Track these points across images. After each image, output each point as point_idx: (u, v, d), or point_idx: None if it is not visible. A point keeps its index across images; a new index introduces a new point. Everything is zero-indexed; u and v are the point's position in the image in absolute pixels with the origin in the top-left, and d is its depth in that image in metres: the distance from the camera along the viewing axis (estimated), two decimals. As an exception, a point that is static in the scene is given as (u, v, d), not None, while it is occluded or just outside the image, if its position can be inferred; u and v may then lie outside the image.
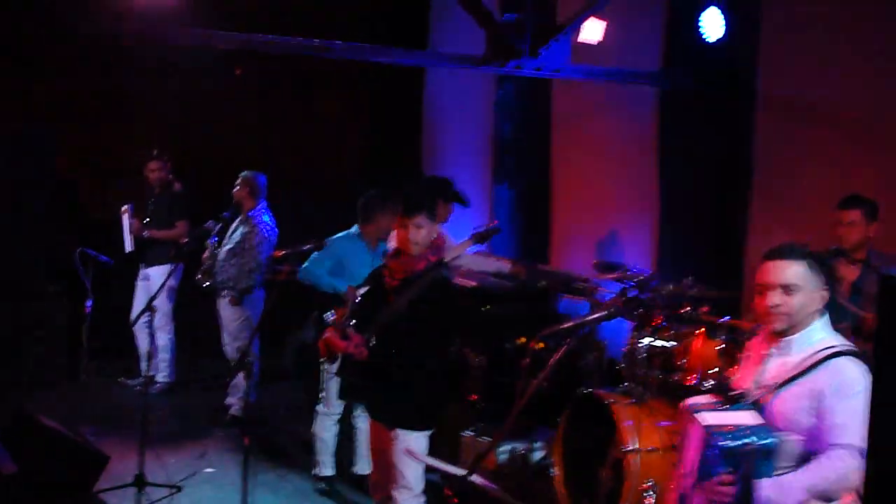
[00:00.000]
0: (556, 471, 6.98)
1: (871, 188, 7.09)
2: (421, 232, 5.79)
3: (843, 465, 3.94)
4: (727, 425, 3.99)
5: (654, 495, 6.26)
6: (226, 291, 9.51)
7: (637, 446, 6.39)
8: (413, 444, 5.80)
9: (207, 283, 9.65)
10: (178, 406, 10.22)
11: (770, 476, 3.96)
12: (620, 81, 9.37)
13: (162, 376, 10.61)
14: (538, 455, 7.94)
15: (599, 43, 8.91)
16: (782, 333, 4.27)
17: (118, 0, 7.55)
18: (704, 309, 7.17)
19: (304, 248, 7.36)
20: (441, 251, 6.05)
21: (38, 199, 10.80)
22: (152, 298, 8.44)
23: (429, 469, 5.89)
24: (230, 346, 9.66)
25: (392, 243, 8.39)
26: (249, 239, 9.38)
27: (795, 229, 7.98)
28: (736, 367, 5.68)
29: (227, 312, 9.62)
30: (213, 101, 12.44)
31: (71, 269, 9.51)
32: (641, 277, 7.76)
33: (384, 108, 13.22)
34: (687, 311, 7.16)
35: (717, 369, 6.58)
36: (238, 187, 9.52)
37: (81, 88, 12.06)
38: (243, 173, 9.59)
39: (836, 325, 6.14)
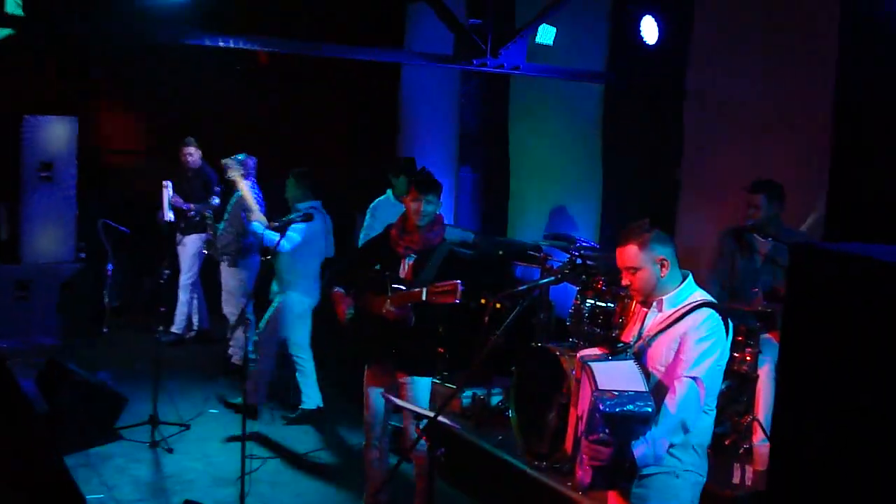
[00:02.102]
0: (511, 413, 7.03)
1: (780, 172, 7.15)
2: (430, 207, 5.93)
3: (685, 398, 4.05)
4: (612, 391, 4.00)
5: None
6: (225, 256, 9.52)
7: (580, 392, 6.43)
8: (422, 387, 5.98)
9: (210, 252, 9.64)
10: (187, 356, 10.21)
11: (643, 435, 4.02)
12: (570, 79, 9.39)
13: (176, 328, 10.60)
14: (496, 399, 7.98)
15: (552, 45, 8.93)
16: (647, 299, 4.34)
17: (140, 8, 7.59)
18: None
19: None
20: (444, 226, 6.14)
21: (66, 176, 10.73)
22: (167, 259, 8.45)
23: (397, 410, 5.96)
24: (227, 302, 9.64)
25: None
26: (237, 208, 9.38)
27: (716, 207, 8.05)
28: (626, 324, 5.88)
29: (226, 274, 9.60)
30: (218, 93, 12.39)
31: (94, 237, 9.49)
32: (586, 247, 7.81)
33: (365, 100, 13.15)
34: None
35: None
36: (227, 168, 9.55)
37: (100, 81, 12.00)
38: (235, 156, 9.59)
39: (751, 290, 6.24)
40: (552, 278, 5.28)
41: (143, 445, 7.63)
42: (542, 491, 6.54)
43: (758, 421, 6.54)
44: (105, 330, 10.42)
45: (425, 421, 4.52)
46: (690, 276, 4.35)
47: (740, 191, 6.96)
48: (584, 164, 9.71)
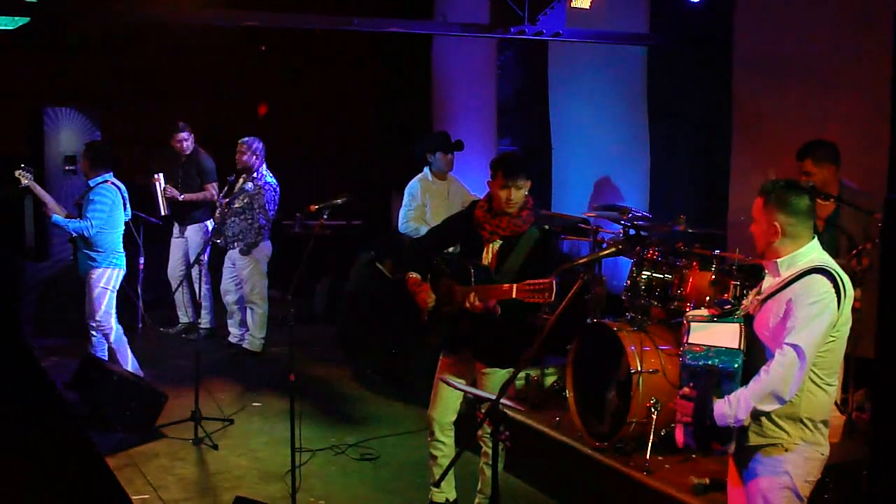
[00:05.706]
0: (568, 393, 7.00)
1: (837, 133, 7.05)
2: (521, 193, 5.66)
3: (783, 366, 4.02)
4: (699, 345, 4.13)
5: (657, 412, 6.29)
6: (236, 243, 9.65)
7: (640, 368, 6.41)
8: (501, 378, 5.72)
9: (219, 240, 9.65)
10: (219, 348, 10.25)
11: (728, 393, 4.06)
12: (612, 43, 9.30)
13: (205, 322, 10.62)
14: (550, 380, 7.96)
15: (590, 8, 8.85)
16: (762, 257, 4.39)
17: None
18: (696, 244, 7.18)
19: (337, 202, 7.35)
20: (533, 210, 5.87)
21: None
22: (199, 253, 8.51)
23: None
24: (231, 287, 10.04)
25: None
26: (258, 199, 9.44)
27: (769, 171, 7.97)
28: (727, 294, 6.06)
29: (240, 262, 9.83)
30: (244, 75, 12.39)
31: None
32: (640, 217, 7.77)
33: (396, 74, 13.10)
34: (681, 247, 7.16)
35: (709, 298, 6.58)
36: (240, 153, 9.57)
37: (121, 68, 12.03)
38: (243, 139, 9.61)
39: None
40: (611, 250, 5.19)
41: (186, 443, 7.66)
42: (604, 473, 6.52)
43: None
44: (140, 325, 10.45)
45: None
46: (815, 241, 4.30)
47: (793, 152, 6.87)
48: (630, 132, 9.65)
